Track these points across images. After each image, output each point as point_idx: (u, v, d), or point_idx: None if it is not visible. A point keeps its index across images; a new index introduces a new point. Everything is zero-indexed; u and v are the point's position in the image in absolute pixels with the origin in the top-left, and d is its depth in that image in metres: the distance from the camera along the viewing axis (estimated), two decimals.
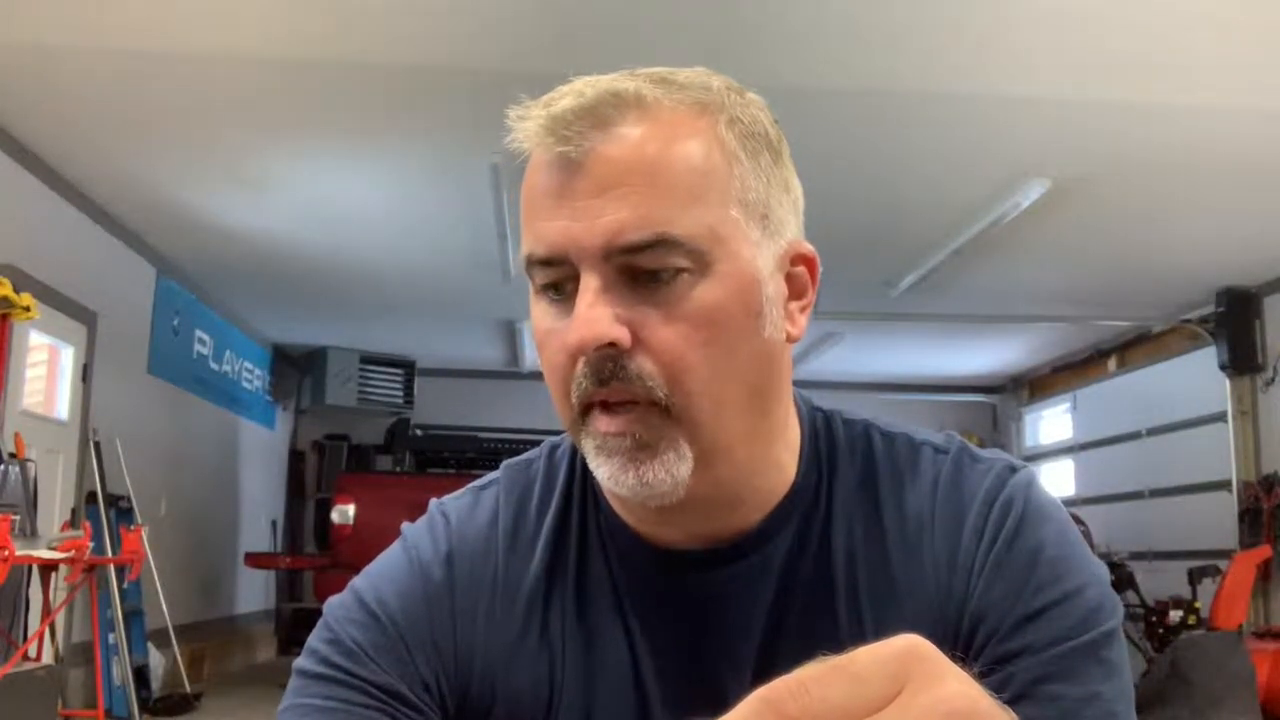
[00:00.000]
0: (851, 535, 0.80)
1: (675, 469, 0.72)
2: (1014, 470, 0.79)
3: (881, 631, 0.75)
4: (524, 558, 0.83)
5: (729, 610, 0.79)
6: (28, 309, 4.62)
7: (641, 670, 0.79)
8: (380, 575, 0.83)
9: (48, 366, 5.66)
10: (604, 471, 0.73)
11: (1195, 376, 7.60)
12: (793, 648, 0.77)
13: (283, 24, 3.95)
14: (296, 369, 10.06)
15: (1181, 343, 7.85)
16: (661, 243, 0.70)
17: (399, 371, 10.03)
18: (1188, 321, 7.56)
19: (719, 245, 0.72)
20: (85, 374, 5.93)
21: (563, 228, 0.71)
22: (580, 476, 0.85)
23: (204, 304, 7.84)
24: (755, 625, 0.78)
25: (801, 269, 0.78)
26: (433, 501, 0.88)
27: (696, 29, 3.91)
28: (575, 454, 0.86)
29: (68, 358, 5.80)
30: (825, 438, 0.84)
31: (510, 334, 9.04)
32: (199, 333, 7.79)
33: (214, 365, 8.16)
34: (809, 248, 0.79)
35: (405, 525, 0.86)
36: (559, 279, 0.73)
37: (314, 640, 0.80)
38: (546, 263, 0.73)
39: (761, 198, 0.75)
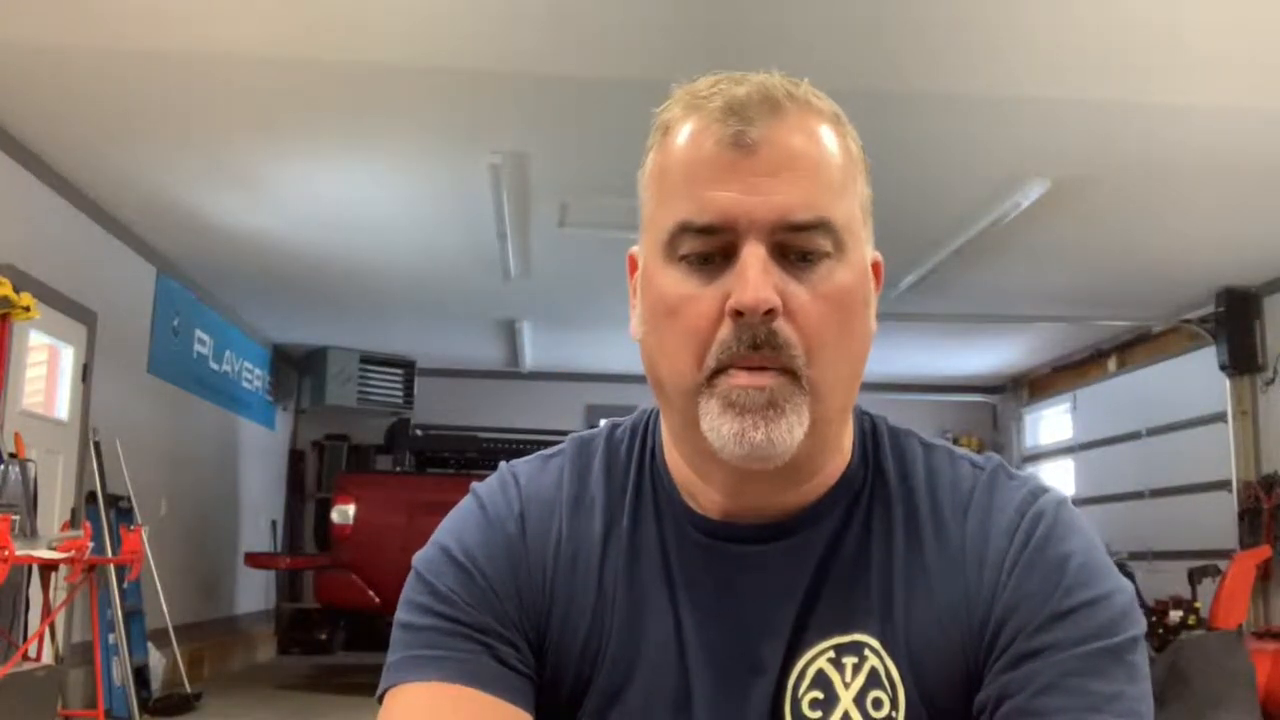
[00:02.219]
0: (890, 526, 0.86)
1: (796, 430, 0.78)
2: (1046, 490, 0.86)
3: (910, 615, 0.82)
4: (585, 520, 0.89)
5: (770, 582, 0.84)
6: (28, 309, 4.62)
7: (684, 632, 0.84)
8: (461, 530, 0.88)
9: (48, 366, 5.66)
10: (731, 428, 0.77)
11: (1195, 376, 7.60)
12: (825, 622, 0.83)
13: (283, 24, 3.95)
14: (296, 369, 10.06)
15: (1181, 343, 7.85)
16: (820, 225, 0.78)
17: (399, 371, 10.03)
18: (1188, 321, 7.57)
19: (851, 236, 0.81)
20: (85, 374, 5.93)
21: (734, 199, 0.77)
22: (639, 451, 0.91)
23: (204, 304, 7.84)
24: (793, 598, 0.83)
25: (873, 274, 0.87)
26: (503, 464, 0.94)
27: (695, 30, 3.91)
28: (635, 433, 0.93)
29: (68, 358, 5.80)
30: (872, 436, 0.90)
31: (510, 334, 9.04)
32: (199, 333, 7.79)
33: (214, 365, 8.16)
34: (879, 255, 0.88)
35: (475, 485, 0.92)
36: (711, 248, 0.78)
37: (412, 594, 0.85)
38: (706, 230, 0.78)
39: (866, 205, 0.85)
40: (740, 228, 0.77)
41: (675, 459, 0.88)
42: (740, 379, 0.77)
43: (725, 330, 0.77)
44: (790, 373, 0.77)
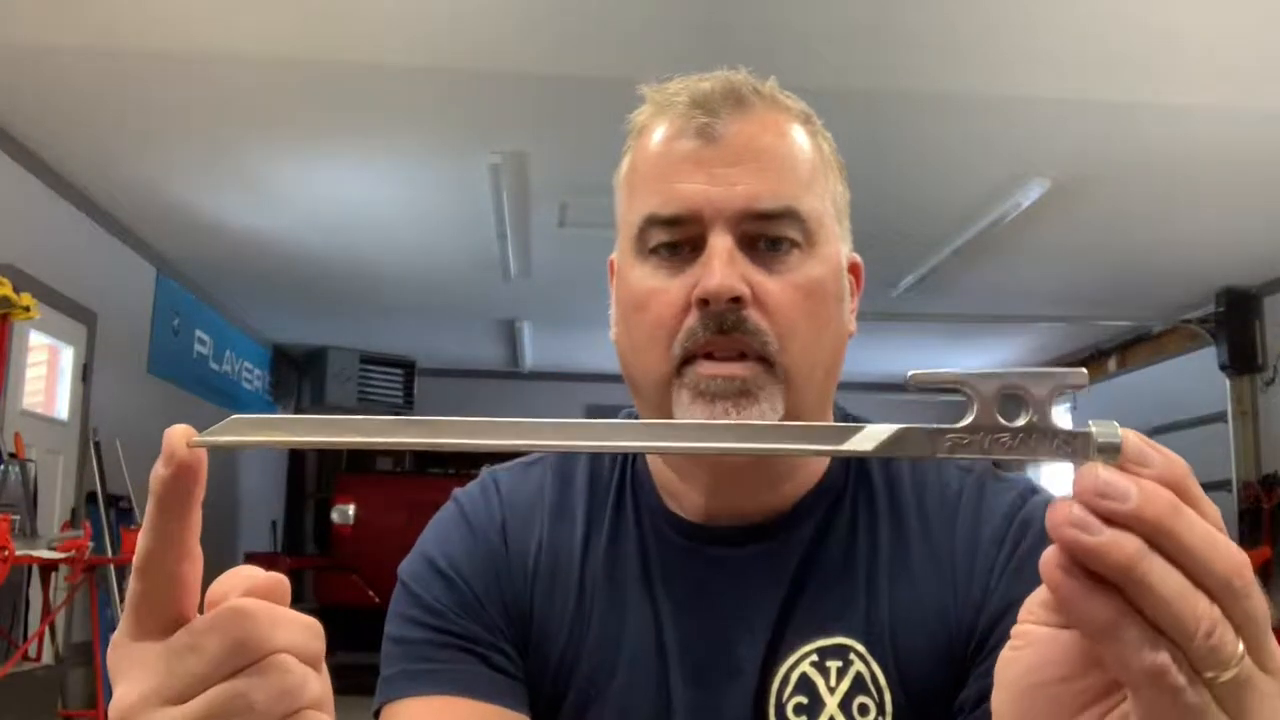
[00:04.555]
0: (875, 529, 0.84)
1: (769, 419, 0.77)
2: (1035, 491, 0.85)
3: (897, 618, 0.80)
4: (566, 527, 0.88)
5: (749, 585, 0.83)
6: (28, 309, 4.62)
7: (664, 635, 0.83)
8: (445, 540, 0.88)
9: (48, 366, 5.66)
10: (702, 417, 0.76)
11: (1195, 376, 7.60)
12: (807, 624, 0.82)
13: (283, 24, 3.95)
14: (296, 369, 10.06)
15: (1181, 343, 7.85)
16: (788, 214, 0.78)
17: (399, 371, 10.03)
18: (1188, 321, 7.56)
19: (822, 229, 0.81)
20: (85, 374, 5.93)
21: (699, 190, 0.77)
22: (623, 457, 0.90)
23: (204, 304, 7.83)
24: (772, 601, 0.82)
25: (852, 276, 0.88)
26: (484, 470, 0.94)
27: (696, 29, 3.91)
28: None
29: (68, 358, 5.80)
30: None
31: (510, 334, 9.04)
32: (199, 333, 7.79)
33: (214, 365, 8.16)
34: (858, 257, 0.89)
35: (457, 491, 0.92)
36: (679, 239, 0.78)
37: (400, 607, 0.85)
38: (672, 222, 0.78)
39: (840, 205, 0.85)
40: (706, 217, 0.77)
41: (656, 461, 0.87)
42: (708, 368, 0.76)
43: (692, 319, 0.76)
44: (763, 360, 0.76)
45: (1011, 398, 0.42)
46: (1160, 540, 0.39)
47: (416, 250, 6.71)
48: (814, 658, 0.81)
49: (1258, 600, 0.41)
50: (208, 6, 3.84)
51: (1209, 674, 0.39)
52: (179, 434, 0.44)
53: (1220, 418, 7.34)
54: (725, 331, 0.76)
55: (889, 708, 0.79)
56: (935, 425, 0.43)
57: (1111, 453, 0.41)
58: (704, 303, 0.75)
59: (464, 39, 4.05)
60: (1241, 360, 7.06)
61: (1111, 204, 5.57)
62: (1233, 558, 0.40)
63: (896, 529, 0.84)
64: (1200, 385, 7.50)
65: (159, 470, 0.43)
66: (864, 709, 0.79)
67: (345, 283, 7.47)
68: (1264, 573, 6.61)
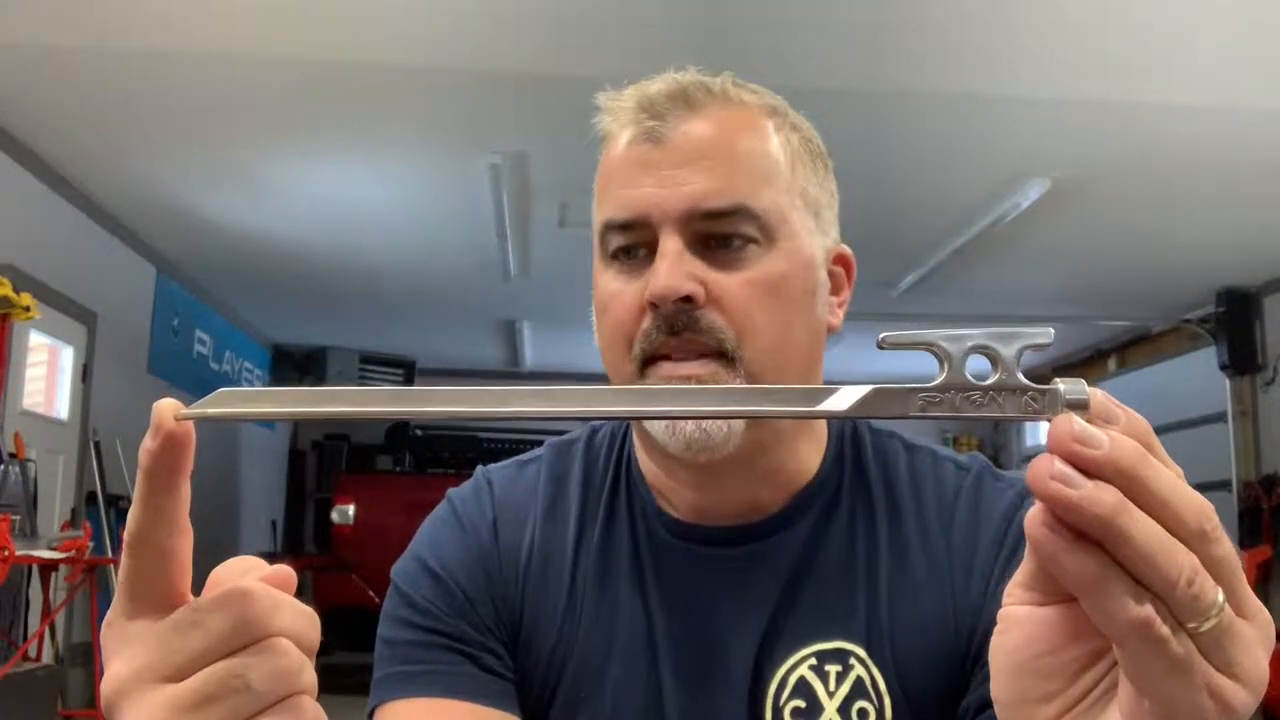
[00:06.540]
0: (874, 530, 0.83)
1: (732, 420, 0.75)
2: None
3: (897, 622, 0.79)
4: (559, 526, 0.87)
5: (743, 585, 0.82)
6: (28, 309, 4.62)
7: (656, 636, 0.83)
8: (436, 540, 0.87)
9: (48, 366, 5.66)
10: (662, 420, 0.76)
11: (1195, 376, 7.60)
12: (805, 627, 0.80)
13: (283, 24, 3.95)
14: (296, 369, 10.06)
15: (1181, 343, 7.85)
16: (739, 211, 0.77)
17: (399, 371, 10.03)
18: (1188, 321, 7.57)
19: (784, 224, 0.79)
20: (85, 374, 5.93)
21: (647, 194, 0.77)
22: (618, 455, 0.90)
23: (204, 304, 7.83)
24: (766, 603, 0.81)
25: (840, 269, 0.86)
26: (479, 469, 0.93)
27: (695, 29, 3.91)
28: (614, 437, 0.91)
29: (68, 358, 5.80)
30: (851, 440, 0.88)
31: (510, 334, 9.04)
32: (199, 333, 7.79)
33: (214, 365, 8.16)
34: (847, 249, 0.87)
35: (451, 490, 0.91)
36: (634, 243, 0.78)
37: (392, 608, 0.85)
38: (625, 227, 0.78)
39: (815, 197, 0.83)
40: (654, 220, 0.77)
41: (647, 460, 0.86)
42: (666, 370, 0.76)
43: (646, 321, 0.76)
44: (721, 355, 0.76)
45: (981, 357, 0.44)
46: (1133, 489, 0.40)
47: (416, 250, 6.71)
48: (812, 661, 0.80)
49: (1228, 546, 0.41)
50: (208, 6, 3.84)
51: (1191, 624, 0.40)
52: (167, 407, 0.43)
53: (1220, 418, 7.34)
54: (676, 333, 0.75)
55: (889, 713, 0.78)
56: (907, 385, 0.44)
57: (1079, 408, 0.42)
58: (654, 305, 0.75)
59: (464, 39, 4.05)
60: (1241, 360, 7.07)
61: (1111, 204, 5.57)
62: (1200, 505, 0.41)
63: (895, 530, 0.83)
64: (1200, 385, 7.50)
65: (147, 443, 0.43)
66: (863, 714, 0.78)
67: (345, 283, 7.47)
68: (1264, 572, 6.62)
